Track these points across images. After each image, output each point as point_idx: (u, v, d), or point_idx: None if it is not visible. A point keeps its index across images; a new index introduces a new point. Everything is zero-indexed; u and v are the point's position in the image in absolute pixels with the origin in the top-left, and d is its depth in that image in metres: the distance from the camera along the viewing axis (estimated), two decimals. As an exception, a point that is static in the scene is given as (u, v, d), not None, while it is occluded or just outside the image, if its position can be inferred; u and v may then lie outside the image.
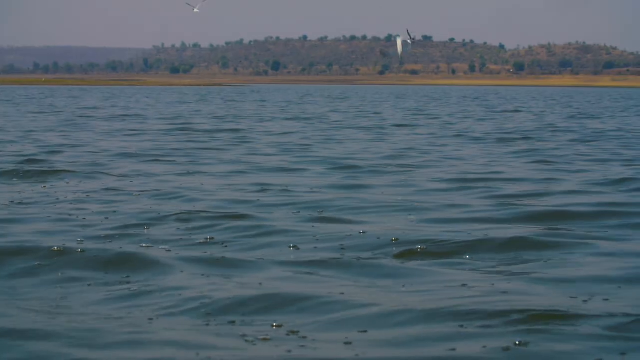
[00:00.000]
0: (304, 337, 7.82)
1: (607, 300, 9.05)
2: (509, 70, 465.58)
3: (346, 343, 7.64)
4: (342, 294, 9.23)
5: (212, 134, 36.15)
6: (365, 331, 7.98)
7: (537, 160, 25.21)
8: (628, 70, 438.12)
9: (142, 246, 11.77)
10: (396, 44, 36.73)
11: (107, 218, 13.95)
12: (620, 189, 18.30)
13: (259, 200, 15.95)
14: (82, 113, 56.78)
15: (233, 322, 8.23)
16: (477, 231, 12.92)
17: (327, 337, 7.83)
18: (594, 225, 13.84)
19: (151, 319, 8.29)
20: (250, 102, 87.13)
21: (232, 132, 37.71)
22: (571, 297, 9.11)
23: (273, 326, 8.14)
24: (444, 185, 18.64)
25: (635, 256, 11.32)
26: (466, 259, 11.26)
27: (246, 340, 7.66)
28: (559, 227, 13.54)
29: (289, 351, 7.45)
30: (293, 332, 7.92)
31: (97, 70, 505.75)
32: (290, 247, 11.79)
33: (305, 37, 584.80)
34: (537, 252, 11.59)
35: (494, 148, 29.91)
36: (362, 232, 12.67)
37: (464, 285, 9.68)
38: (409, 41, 37.53)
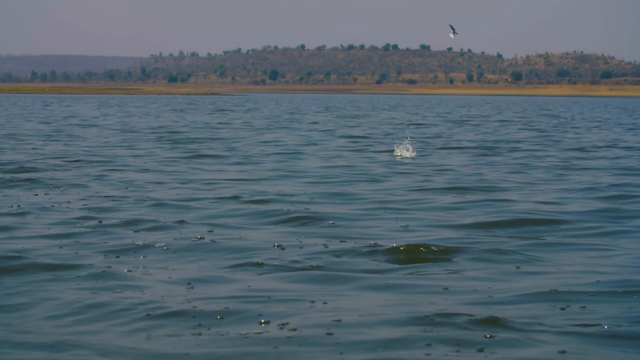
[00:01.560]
0: (289, 338, 7.97)
1: (584, 308, 9.21)
2: (506, 80, 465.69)
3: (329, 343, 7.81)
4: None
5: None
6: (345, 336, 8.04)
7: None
8: (626, 80, 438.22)
9: (114, 255, 11.92)
10: (451, 31, 37.16)
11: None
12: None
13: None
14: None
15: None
16: (451, 237, 13.15)
17: (310, 340, 7.96)
18: (567, 232, 14.03)
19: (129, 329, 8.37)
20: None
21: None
22: (548, 305, 9.27)
23: (261, 323, 8.36)
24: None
25: (611, 265, 11.48)
26: (444, 264, 11.35)
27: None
28: (526, 234, 13.75)
29: (276, 347, 7.70)
30: (277, 333, 8.07)
31: (95, 79, 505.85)
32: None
33: (303, 46, 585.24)
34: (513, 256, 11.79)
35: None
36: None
37: (444, 289, 9.81)
38: (451, 35, 38.11)
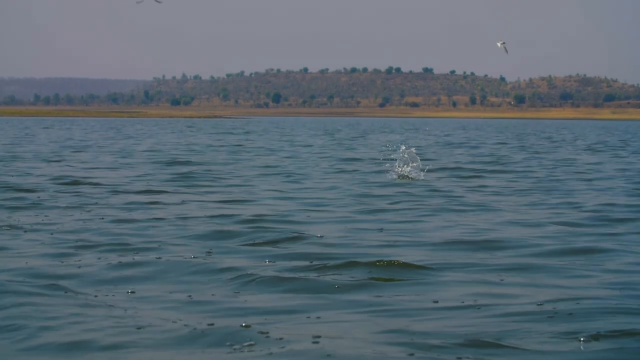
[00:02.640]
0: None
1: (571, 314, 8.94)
2: (509, 103, 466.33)
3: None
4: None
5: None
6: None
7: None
8: (629, 103, 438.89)
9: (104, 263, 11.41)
10: (503, 48, 36.84)
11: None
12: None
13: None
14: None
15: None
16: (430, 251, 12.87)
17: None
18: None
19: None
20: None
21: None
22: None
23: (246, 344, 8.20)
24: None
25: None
26: (426, 276, 11.35)
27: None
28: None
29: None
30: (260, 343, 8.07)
31: (98, 102, 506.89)
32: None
33: (305, 69, 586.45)
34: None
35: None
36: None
37: (427, 304, 9.70)
38: (500, 45, 37.92)
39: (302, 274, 11.37)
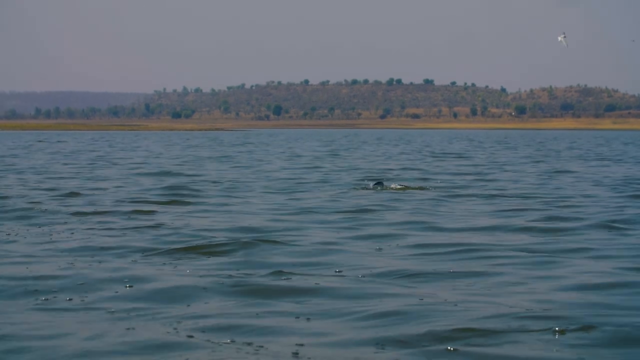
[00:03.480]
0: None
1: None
2: (510, 114, 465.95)
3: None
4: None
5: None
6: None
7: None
8: (630, 113, 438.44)
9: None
10: (562, 41, 36.65)
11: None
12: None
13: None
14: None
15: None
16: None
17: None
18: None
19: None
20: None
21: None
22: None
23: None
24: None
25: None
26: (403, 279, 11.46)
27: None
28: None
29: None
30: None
31: (99, 115, 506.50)
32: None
33: (306, 82, 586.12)
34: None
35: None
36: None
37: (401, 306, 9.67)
38: (563, 41, 37.70)
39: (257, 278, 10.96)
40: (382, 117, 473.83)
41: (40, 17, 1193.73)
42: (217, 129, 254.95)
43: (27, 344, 8.40)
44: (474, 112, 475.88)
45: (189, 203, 22.31)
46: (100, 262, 12.97)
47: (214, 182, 30.45)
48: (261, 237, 15.27)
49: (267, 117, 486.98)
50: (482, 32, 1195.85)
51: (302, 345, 8.33)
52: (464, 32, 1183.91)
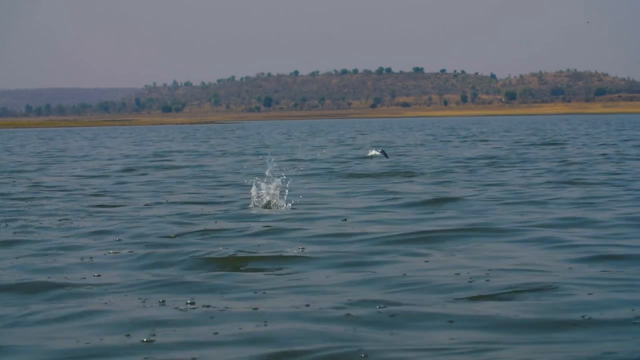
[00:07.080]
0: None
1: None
2: (500, 100, 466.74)
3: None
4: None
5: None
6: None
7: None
8: (620, 97, 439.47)
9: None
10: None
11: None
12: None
13: None
14: None
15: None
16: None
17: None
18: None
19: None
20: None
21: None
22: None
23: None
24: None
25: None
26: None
27: None
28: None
29: None
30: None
31: (90, 111, 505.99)
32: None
33: (296, 73, 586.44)
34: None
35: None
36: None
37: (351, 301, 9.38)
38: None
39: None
40: (373, 106, 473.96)
41: (30, 14, 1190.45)
42: (207, 122, 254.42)
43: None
44: (464, 99, 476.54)
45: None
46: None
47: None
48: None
49: (258, 108, 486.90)
50: (471, 19, 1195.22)
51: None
52: (453, 19, 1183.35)
